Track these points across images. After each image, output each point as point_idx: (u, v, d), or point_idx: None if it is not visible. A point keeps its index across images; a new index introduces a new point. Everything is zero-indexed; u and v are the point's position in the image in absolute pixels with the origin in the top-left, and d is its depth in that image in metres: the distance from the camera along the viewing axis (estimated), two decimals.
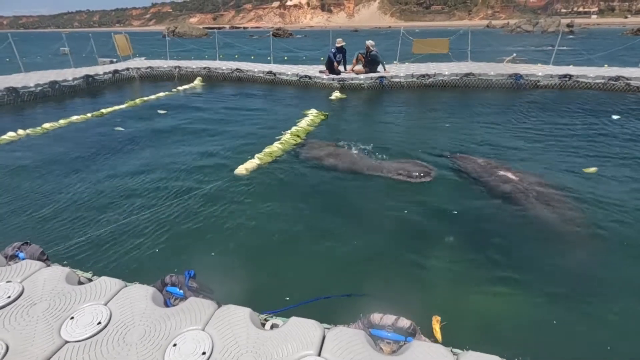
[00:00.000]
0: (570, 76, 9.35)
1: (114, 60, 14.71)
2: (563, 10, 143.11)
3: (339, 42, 10.94)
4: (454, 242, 3.27)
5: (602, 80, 9.11)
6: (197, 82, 11.61)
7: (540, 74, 9.63)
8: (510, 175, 4.30)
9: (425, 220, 3.63)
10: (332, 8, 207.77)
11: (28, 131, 6.75)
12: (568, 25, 48.59)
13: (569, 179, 4.42)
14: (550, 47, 12.19)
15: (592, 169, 4.63)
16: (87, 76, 11.42)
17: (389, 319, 1.67)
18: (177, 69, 12.76)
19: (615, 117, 6.84)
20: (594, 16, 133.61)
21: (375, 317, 1.69)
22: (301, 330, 1.62)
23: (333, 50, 10.96)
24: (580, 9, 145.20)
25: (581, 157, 5.07)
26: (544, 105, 7.94)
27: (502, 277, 2.83)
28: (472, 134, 6.13)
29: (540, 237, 3.32)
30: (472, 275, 2.87)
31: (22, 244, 2.27)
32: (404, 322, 1.66)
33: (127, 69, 13.01)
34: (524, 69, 10.58)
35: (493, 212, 3.75)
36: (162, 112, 8.03)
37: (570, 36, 36.71)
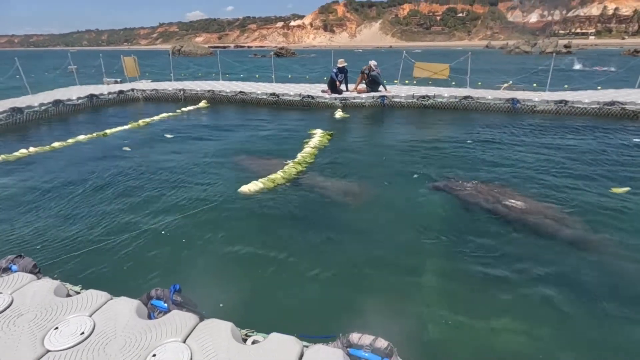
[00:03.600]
0: (566, 102, 9.53)
1: (119, 80, 14.99)
2: (561, 32, 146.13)
3: (341, 63, 11.25)
4: (442, 264, 3.32)
5: (597, 106, 9.28)
6: (202, 104, 11.85)
7: (536, 99, 9.82)
8: (511, 199, 4.38)
9: (416, 241, 3.70)
10: (334, 28, 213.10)
11: (37, 149, 6.90)
12: (566, 46, 49.51)
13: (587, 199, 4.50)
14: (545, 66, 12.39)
15: (623, 189, 4.61)
16: (92, 95, 11.63)
17: (367, 338, 1.69)
18: (182, 92, 13.00)
19: (636, 140, 6.99)
20: (592, 37, 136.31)
21: (354, 336, 1.72)
22: (280, 346, 1.66)
23: (335, 70, 11.26)
24: (578, 30, 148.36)
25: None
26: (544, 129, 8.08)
27: (484, 298, 2.87)
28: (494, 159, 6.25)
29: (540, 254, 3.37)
30: (453, 297, 2.91)
31: (16, 257, 2.34)
32: (382, 343, 1.68)
33: (132, 89, 13.25)
34: (520, 95, 10.81)
35: (485, 232, 3.79)
36: (169, 135, 8.17)
37: (569, 57, 37.37)
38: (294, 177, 5.37)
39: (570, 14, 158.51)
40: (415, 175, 5.44)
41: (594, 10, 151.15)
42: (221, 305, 2.69)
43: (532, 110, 9.80)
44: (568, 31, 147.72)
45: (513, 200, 4.40)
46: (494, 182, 5.10)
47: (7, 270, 2.27)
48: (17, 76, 13.18)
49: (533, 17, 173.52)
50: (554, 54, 12.99)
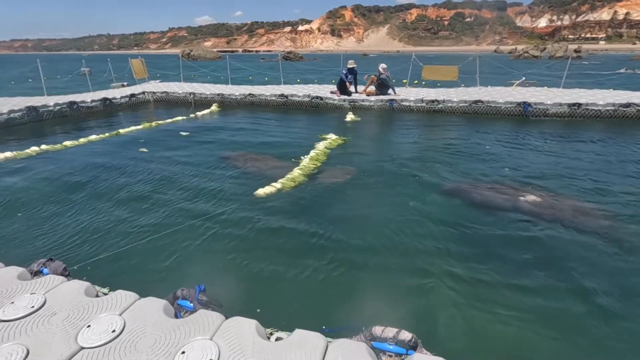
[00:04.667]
0: (580, 104, 9.39)
1: (125, 84, 15.17)
2: (570, 37, 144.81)
3: (351, 64, 11.31)
4: (463, 260, 3.30)
5: (612, 108, 9.13)
6: (214, 107, 11.97)
7: (549, 102, 9.69)
8: (529, 196, 4.31)
9: (434, 238, 3.69)
10: (342, 33, 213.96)
11: (48, 147, 7.01)
12: (576, 51, 49.02)
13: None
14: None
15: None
16: (105, 99, 11.86)
17: (391, 331, 1.69)
18: (192, 95, 13.11)
19: None
20: (602, 42, 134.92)
21: (377, 329, 1.71)
22: (305, 342, 1.68)
23: (344, 71, 11.30)
24: (588, 35, 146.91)
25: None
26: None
27: (509, 296, 2.84)
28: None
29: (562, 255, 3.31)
30: (476, 293, 2.89)
31: (47, 260, 2.42)
32: (406, 335, 1.67)
33: (143, 92, 13.44)
34: (532, 94, 10.68)
35: (506, 233, 3.75)
36: (184, 133, 8.21)
37: (585, 62, 36.96)
38: (307, 178, 5.38)
39: (580, 19, 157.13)
40: (430, 178, 5.39)
41: (604, 15, 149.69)
42: (245, 305, 2.70)
43: (544, 113, 9.68)
44: (578, 36, 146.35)
45: (537, 201, 4.34)
46: (510, 183, 5.03)
47: (38, 273, 2.34)
48: (30, 80, 13.47)
49: (542, 22, 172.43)
50: (570, 58, 12.84)
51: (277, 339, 1.79)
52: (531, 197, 4.46)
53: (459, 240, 3.67)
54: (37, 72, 12.64)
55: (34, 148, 6.85)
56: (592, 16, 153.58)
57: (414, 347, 1.66)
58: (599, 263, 3.30)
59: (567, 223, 3.92)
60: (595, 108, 9.28)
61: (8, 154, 6.46)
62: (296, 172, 5.39)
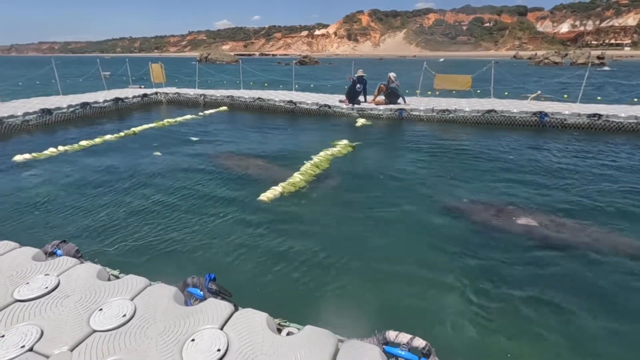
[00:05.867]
0: (600, 115, 8.96)
1: (142, 87, 15.53)
2: (594, 43, 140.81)
3: (360, 73, 11.18)
4: (482, 275, 3.23)
5: (635, 121, 8.68)
6: (223, 108, 12.13)
7: (567, 112, 9.30)
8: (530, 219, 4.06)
9: (451, 249, 3.63)
10: (358, 37, 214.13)
11: (66, 147, 7.23)
12: (599, 57, 47.46)
13: None
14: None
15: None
16: (117, 99, 12.08)
17: (404, 337, 1.64)
18: (203, 97, 13.29)
19: None
20: (627, 48, 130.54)
21: (391, 334, 1.67)
22: (315, 339, 1.66)
23: (354, 78, 11.20)
24: (612, 41, 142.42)
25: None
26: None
27: (529, 315, 2.76)
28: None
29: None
30: (496, 309, 2.82)
31: (60, 242, 2.47)
32: (419, 342, 1.62)
33: (156, 93, 13.75)
34: (548, 107, 10.27)
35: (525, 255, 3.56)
36: (194, 139, 8.35)
37: (606, 68, 35.73)
38: (312, 181, 5.46)
39: (604, 25, 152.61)
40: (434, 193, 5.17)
41: (630, 20, 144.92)
42: (255, 295, 2.82)
43: (562, 124, 9.27)
44: (601, 42, 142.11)
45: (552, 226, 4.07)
46: (528, 206, 4.75)
47: (52, 254, 2.41)
48: (53, 80, 13.92)
49: (564, 28, 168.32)
50: (589, 65, 12.32)
51: (288, 334, 1.77)
52: (555, 222, 4.18)
53: (478, 255, 3.55)
54: (60, 73, 13.08)
55: (52, 149, 7.02)
56: (617, 21, 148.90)
57: (427, 355, 1.60)
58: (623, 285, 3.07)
59: (592, 248, 3.70)
60: (617, 120, 8.84)
61: (27, 155, 6.63)
62: (297, 177, 5.48)
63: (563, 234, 3.95)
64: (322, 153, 6.87)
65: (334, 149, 7.17)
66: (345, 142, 7.63)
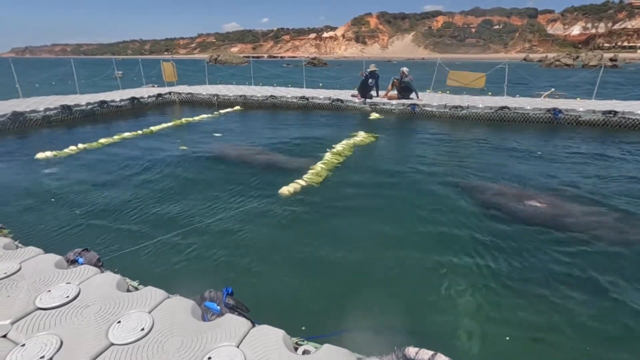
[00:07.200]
0: (615, 112, 8.89)
1: (155, 86, 15.81)
2: (606, 45, 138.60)
3: (372, 67, 11.26)
4: (503, 280, 3.08)
5: None
6: (237, 108, 12.27)
7: (581, 109, 9.24)
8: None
9: (477, 254, 3.48)
10: (366, 40, 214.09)
11: (86, 145, 7.30)
12: (611, 59, 46.82)
13: None
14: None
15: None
16: (133, 98, 12.33)
17: (426, 354, 1.57)
18: (216, 97, 13.43)
19: None
20: None
21: (411, 350, 1.60)
22: (333, 359, 1.60)
23: (366, 73, 11.28)
24: (625, 44, 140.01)
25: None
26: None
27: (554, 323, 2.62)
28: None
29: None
30: (518, 319, 2.65)
31: (82, 250, 2.49)
32: (442, 359, 1.55)
33: (170, 92, 13.95)
34: (562, 103, 10.22)
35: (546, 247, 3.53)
36: (217, 135, 8.43)
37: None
38: (331, 175, 5.44)
39: (616, 27, 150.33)
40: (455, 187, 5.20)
41: None
42: (271, 309, 2.60)
43: (576, 121, 9.23)
44: (614, 44, 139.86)
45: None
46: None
47: (74, 262, 2.41)
48: (70, 82, 14.25)
49: (575, 30, 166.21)
50: (602, 67, 12.22)
51: (305, 352, 1.72)
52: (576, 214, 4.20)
53: (502, 258, 3.40)
54: (74, 73, 13.33)
55: (72, 147, 7.12)
56: (630, 24, 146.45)
57: None
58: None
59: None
60: (633, 117, 8.76)
61: (48, 153, 6.74)
62: (319, 166, 5.49)
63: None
64: (344, 141, 6.97)
65: (357, 138, 7.25)
66: (363, 133, 7.69)
